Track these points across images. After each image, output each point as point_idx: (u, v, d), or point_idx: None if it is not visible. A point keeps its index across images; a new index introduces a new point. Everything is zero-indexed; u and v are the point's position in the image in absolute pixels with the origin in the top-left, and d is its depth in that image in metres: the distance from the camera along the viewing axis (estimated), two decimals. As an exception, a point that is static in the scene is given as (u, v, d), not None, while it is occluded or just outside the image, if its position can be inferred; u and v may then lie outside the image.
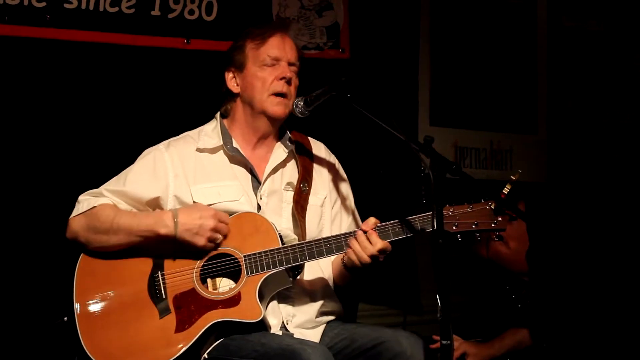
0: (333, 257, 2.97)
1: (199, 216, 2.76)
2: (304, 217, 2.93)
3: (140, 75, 3.74)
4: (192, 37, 3.82)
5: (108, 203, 2.85)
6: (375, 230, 2.74)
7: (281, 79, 2.91)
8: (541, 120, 5.01)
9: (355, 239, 2.74)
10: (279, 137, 3.04)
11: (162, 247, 2.80)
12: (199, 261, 2.80)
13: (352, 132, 3.95)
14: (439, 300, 2.38)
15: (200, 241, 2.76)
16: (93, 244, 2.82)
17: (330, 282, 3.01)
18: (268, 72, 2.92)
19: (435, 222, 2.41)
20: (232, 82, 2.99)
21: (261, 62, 2.92)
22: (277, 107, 2.92)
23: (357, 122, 3.03)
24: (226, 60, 3.01)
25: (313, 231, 2.94)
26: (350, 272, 2.85)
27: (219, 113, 3.06)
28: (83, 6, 3.59)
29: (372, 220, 2.77)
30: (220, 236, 2.79)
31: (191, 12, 3.82)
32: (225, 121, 3.04)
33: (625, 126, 5.12)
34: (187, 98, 3.77)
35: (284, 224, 2.92)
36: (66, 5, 3.56)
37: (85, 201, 2.86)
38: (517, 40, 4.95)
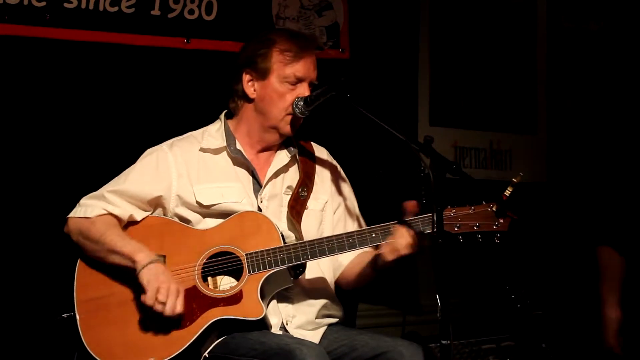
0: (341, 259, 3.00)
1: (168, 279, 2.69)
2: (299, 222, 2.93)
3: (140, 75, 3.74)
4: (192, 37, 3.82)
5: (103, 215, 2.83)
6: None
7: None
8: (541, 120, 5.02)
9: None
10: (282, 141, 3.03)
11: (163, 245, 2.80)
12: (200, 259, 2.80)
13: (352, 132, 3.95)
14: (438, 300, 2.39)
15: (149, 291, 2.66)
16: (83, 249, 2.83)
17: (331, 285, 3.01)
18: (287, 89, 2.89)
19: (435, 223, 2.41)
20: (249, 85, 2.95)
21: (285, 79, 2.89)
22: (290, 126, 2.93)
23: (357, 122, 3.03)
24: (246, 61, 2.95)
25: (312, 236, 2.91)
26: (377, 271, 2.84)
27: (223, 114, 3.05)
28: (83, 6, 3.59)
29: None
30: (163, 310, 2.66)
31: (191, 11, 3.82)
32: (230, 122, 3.03)
33: (624, 125, 5.12)
34: (187, 98, 3.77)
35: (282, 227, 2.91)
36: (66, 5, 3.56)
37: (84, 207, 2.86)
38: (516, 40, 4.95)
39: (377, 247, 2.81)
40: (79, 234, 2.83)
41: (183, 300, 2.70)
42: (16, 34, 3.48)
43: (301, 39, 2.95)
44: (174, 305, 2.67)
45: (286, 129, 2.93)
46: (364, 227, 3.07)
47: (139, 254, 2.72)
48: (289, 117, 2.91)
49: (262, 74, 2.92)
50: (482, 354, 3.87)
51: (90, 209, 2.85)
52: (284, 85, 2.90)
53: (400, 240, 2.71)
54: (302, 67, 2.90)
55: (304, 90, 2.90)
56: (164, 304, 2.66)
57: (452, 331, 2.38)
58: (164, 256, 2.80)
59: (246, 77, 2.95)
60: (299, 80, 2.90)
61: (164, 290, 2.66)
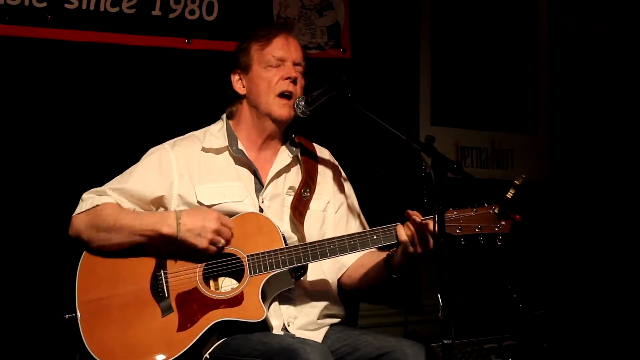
0: (343, 259, 2.99)
1: (202, 218, 2.75)
2: (302, 223, 2.94)
3: (140, 76, 3.75)
4: (192, 37, 3.83)
5: (111, 202, 2.85)
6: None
7: (286, 79, 2.92)
8: (542, 119, 5.02)
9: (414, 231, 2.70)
10: (284, 141, 3.04)
11: (165, 247, 2.80)
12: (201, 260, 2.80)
13: (353, 132, 3.95)
14: (440, 300, 2.38)
15: (202, 243, 2.74)
16: (95, 243, 2.81)
17: (334, 285, 3.01)
18: (273, 72, 2.93)
19: (437, 224, 2.41)
20: (238, 83, 3.00)
21: (266, 63, 2.93)
22: (282, 110, 2.93)
23: (358, 121, 3.03)
24: (232, 63, 3.01)
25: (314, 236, 2.92)
26: (390, 271, 2.86)
27: (225, 114, 3.06)
28: (84, 6, 3.59)
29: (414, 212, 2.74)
30: (222, 240, 2.76)
31: (192, 12, 3.83)
32: (231, 122, 3.04)
33: (625, 124, 5.13)
34: (187, 98, 3.77)
35: (284, 227, 2.91)
36: (67, 6, 3.56)
37: (89, 199, 2.86)
38: (518, 39, 4.95)
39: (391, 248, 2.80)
40: (88, 227, 2.81)
41: (223, 220, 2.75)
42: (17, 34, 3.49)
43: (274, 24, 2.99)
44: (225, 233, 2.75)
45: (279, 112, 2.92)
46: (365, 225, 3.08)
47: (162, 226, 2.74)
48: (280, 100, 2.92)
49: (246, 68, 2.97)
50: (484, 354, 3.86)
51: (97, 198, 2.85)
52: (267, 70, 2.93)
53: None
54: (277, 47, 2.94)
55: (288, 70, 2.92)
56: (218, 241, 2.74)
57: (454, 331, 2.38)
58: (165, 259, 2.81)
59: (235, 78, 3.00)
60: (281, 61, 2.93)
61: (208, 233, 2.72)
